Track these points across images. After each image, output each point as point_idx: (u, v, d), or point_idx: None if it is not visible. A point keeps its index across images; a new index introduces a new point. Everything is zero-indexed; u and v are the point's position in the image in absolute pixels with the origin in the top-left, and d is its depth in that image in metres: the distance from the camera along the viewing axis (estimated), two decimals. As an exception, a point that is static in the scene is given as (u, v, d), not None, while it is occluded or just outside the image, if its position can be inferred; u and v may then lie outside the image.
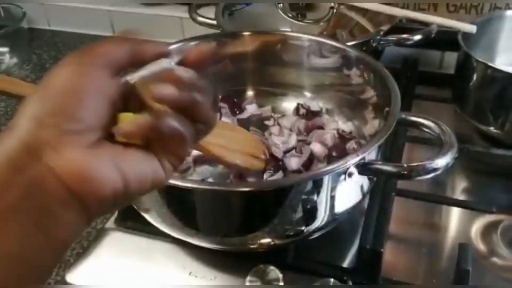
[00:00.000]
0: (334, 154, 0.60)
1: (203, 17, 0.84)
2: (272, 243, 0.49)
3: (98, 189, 0.28)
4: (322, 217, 0.48)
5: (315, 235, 0.52)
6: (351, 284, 0.51)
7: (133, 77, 0.30)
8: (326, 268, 0.54)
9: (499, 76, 0.65)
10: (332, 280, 0.50)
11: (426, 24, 0.76)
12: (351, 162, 0.45)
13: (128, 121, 0.30)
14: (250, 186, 0.46)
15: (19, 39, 1.03)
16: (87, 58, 0.29)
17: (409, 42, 0.75)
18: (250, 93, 0.72)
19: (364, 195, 0.52)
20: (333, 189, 0.47)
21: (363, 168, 0.47)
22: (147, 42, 0.31)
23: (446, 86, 0.79)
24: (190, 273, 0.54)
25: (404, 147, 0.69)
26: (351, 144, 0.60)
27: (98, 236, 0.59)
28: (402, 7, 0.79)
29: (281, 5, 0.88)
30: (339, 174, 0.46)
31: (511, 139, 0.69)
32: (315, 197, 0.46)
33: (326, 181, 0.46)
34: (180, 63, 0.32)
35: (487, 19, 0.77)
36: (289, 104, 0.71)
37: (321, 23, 0.88)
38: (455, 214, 0.62)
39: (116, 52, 0.30)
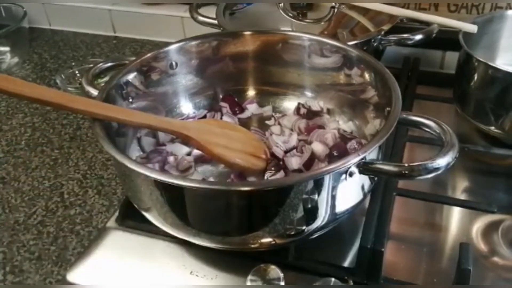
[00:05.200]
0: (335, 153, 0.60)
1: (204, 16, 0.84)
2: (273, 242, 0.49)
3: None
4: (323, 216, 0.48)
5: (316, 235, 0.52)
6: (352, 283, 0.51)
7: None
8: (327, 267, 0.54)
9: (500, 76, 0.65)
10: (333, 279, 0.50)
11: (427, 23, 0.76)
12: (352, 161, 0.45)
13: None
14: (251, 186, 0.46)
15: (20, 39, 1.03)
16: None
17: (410, 42, 0.75)
18: (251, 92, 0.72)
19: (365, 195, 0.52)
20: (334, 188, 0.47)
21: (364, 167, 0.47)
22: None
23: (447, 86, 0.79)
24: (191, 272, 0.54)
25: (405, 146, 0.69)
26: (352, 144, 0.60)
27: (99, 235, 0.59)
28: (403, 7, 0.79)
29: (282, 4, 0.88)
30: (340, 174, 0.46)
31: (512, 139, 0.69)
32: (316, 196, 0.46)
33: (327, 180, 0.46)
34: None
35: (488, 19, 0.77)
36: (290, 104, 0.71)
37: (322, 23, 0.88)
38: (456, 214, 0.62)
39: None
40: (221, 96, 0.71)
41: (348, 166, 0.45)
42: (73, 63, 0.99)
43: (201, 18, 0.84)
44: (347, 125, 0.66)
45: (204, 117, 0.68)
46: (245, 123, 0.68)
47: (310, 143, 0.62)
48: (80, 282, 0.54)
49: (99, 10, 1.10)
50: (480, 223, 0.60)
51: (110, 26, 1.12)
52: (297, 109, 0.68)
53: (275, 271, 0.49)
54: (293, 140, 0.63)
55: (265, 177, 0.58)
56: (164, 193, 0.47)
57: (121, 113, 0.53)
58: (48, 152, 0.78)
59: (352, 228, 0.59)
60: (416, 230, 0.60)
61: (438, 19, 0.75)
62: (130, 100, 0.61)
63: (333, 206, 0.48)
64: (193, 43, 0.67)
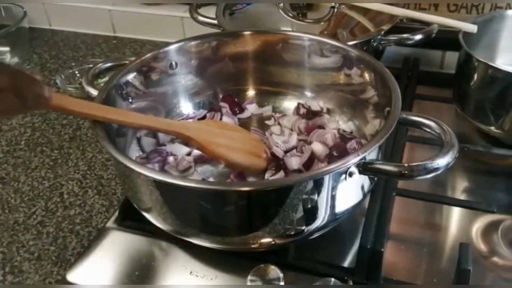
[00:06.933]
0: (334, 153, 0.60)
1: (203, 16, 0.84)
2: (273, 242, 0.49)
3: None
4: (322, 216, 0.48)
5: (316, 235, 0.52)
6: (351, 283, 0.51)
7: None
8: (327, 267, 0.54)
9: (500, 76, 0.65)
10: (332, 279, 0.50)
11: (427, 23, 0.76)
12: (351, 161, 0.45)
13: None
14: (251, 186, 0.46)
15: (20, 39, 1.03)
16: None
17: (410, 42, 0.75)
18: (250, 92, 0.72)
19: (364, 195, 0.52)
20: (333, 188, 0.47)
21: (364, 167, 0.47)
22: None
23: (447, 86, 0.79)
24: (190, 272, 0.54)
25: (404, 146, 0.69)
26: (352, 144, 0.60)
27: (98, 235, 0.59)
28: (403, 7, 0.79)
29: (282, 4, 0.88)
30: (340, 174, 0.46)
31: (512, 139, 0.69)
32: (315, 196, 0.46)
33: (327, 180, 0.46)
34: None
35: (488, 19, 0.77)
36: (289, 104, 0.71)
37: (322, 23, 0.88)
38: (455, 214, 0.62)
39: None
40: (221, 96, 0.71)
41: (348, 166, 0.45)
42: (73, 63, 0.99)
43: (201, 18, 0.84)
44: (347, 125, 0.66)
45: (204, 117, 0.68)
46: (245, 123, 0.68)
47: (310, 143, 0.62)
48: (80, 282, 0.54)
49: (99, 10, 1.10)
50: (480, 223, 0.60)
51: (110, 26, 1.12)
52: (297, 109, 0.68)
53: (275, 271, 0.49)
54: (293, 140, 0.63)
55: (265, 177, 0.58)
56: (164, 193, 0.47)
57: (120, 115, 0.53)
58: (48, 152, 0.78)
59: (352, 228, 0.59)
60: (416, 230, 0.60)
61: (438, 19, 0.75)
62: (130, 100, 0.61)
63: (333, 206, 0.48)
64: (193, 43, 0.67)
